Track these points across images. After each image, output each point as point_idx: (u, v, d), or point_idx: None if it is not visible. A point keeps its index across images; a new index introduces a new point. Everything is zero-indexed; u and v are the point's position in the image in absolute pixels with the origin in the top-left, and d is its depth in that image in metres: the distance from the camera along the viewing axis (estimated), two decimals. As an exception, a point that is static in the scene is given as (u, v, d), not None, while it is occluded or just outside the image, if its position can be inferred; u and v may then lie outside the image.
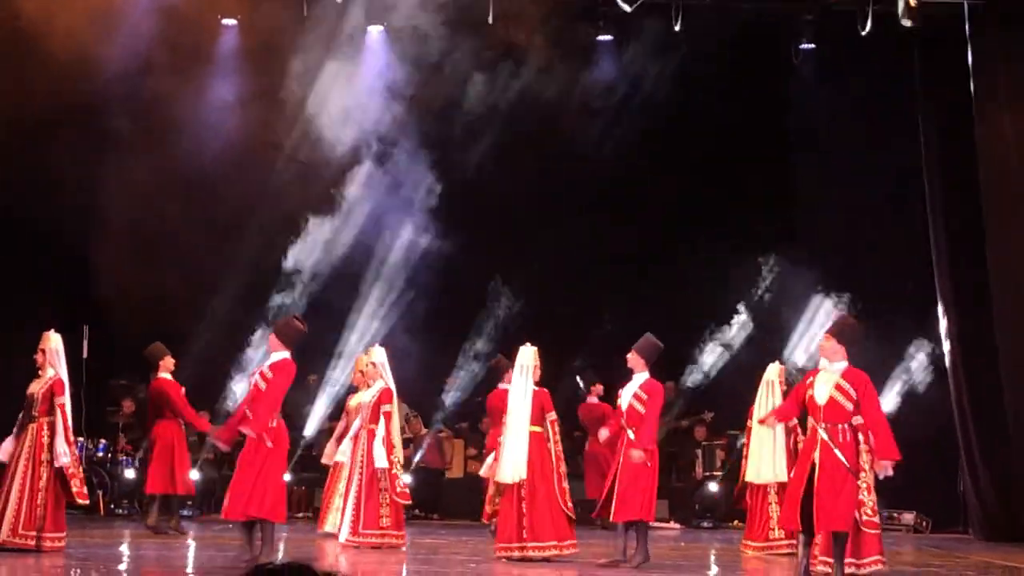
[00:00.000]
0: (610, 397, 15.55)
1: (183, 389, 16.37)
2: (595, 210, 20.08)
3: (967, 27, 17.74)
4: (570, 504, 13.78)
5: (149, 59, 17.86)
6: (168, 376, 16.36)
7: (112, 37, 17.16)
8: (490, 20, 18.13)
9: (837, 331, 12.21)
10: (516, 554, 13.59)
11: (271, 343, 13.16)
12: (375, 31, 19.14)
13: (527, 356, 13.91)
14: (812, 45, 19.07)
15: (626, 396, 13.70)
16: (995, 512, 17.73)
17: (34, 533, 13.29)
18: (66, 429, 13.51)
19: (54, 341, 13.70)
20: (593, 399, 18.18)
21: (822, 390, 12.02)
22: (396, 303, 19.63)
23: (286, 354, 13.03)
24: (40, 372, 13.74)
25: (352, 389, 16.76)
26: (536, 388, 13.92)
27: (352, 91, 19.18)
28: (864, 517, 12.01)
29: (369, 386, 15.03)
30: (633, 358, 13.71)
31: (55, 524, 13.44)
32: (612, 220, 20.07)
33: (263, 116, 18.88)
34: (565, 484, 13.81)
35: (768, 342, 18.57)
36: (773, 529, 15.03)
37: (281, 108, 18.75)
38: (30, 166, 17.67)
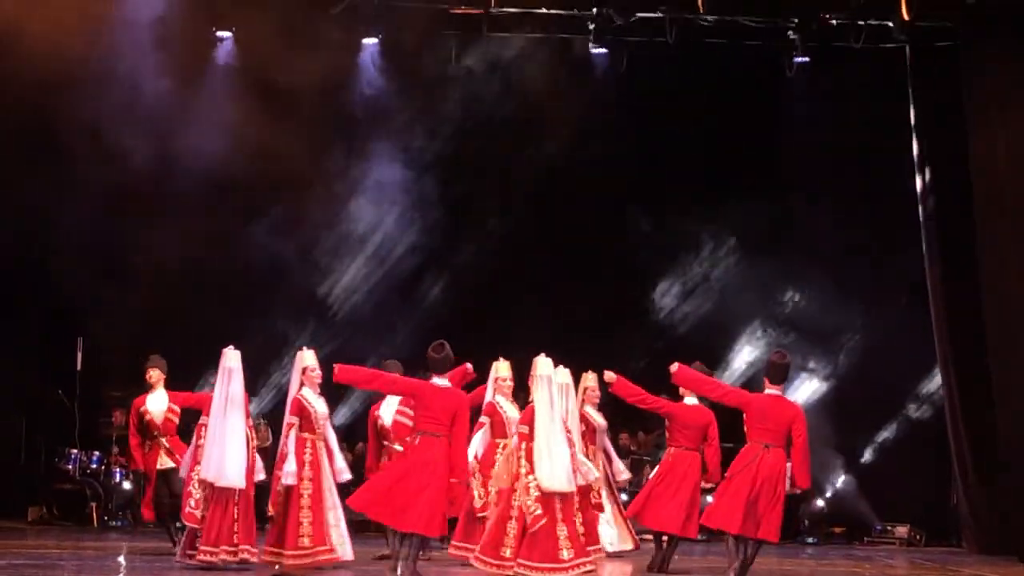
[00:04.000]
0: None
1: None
2: (587, 222, 20.12)
3: (960, 41, 17.79)
4: None
5: (141, 70, 17.90)
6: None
7: (103, 47, 17.19)
8: (484, 32, 18.15)
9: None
10: None
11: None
12: (369, 43, 19.17)
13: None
14: (806, 58, 19.07)
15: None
16: (988, 525, 17.73)
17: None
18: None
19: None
20: None
21: None
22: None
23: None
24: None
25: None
26: None
27: (344, 102, 19.29)
28: None
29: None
30: None
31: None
32: (602, 232, 20.10)
33: (256, 126, 18.90)
34: None
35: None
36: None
37: (274, 118, 18.79)
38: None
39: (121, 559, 14.63)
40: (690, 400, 14.48)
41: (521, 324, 18.41)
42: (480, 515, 13.94)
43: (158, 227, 18.26)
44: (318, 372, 13.44)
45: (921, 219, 18.63)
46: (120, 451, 19.30)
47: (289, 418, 13.21)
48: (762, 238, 19.61)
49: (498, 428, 13.96)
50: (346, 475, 13.42)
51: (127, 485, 18.97)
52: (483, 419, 14.17)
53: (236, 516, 13.49)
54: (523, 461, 13.00)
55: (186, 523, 13.67)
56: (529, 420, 12.92)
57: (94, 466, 18.90)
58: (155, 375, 14.82)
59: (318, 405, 13.37)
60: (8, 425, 19.04)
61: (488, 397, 14.34)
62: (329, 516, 13.21)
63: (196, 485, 13.65)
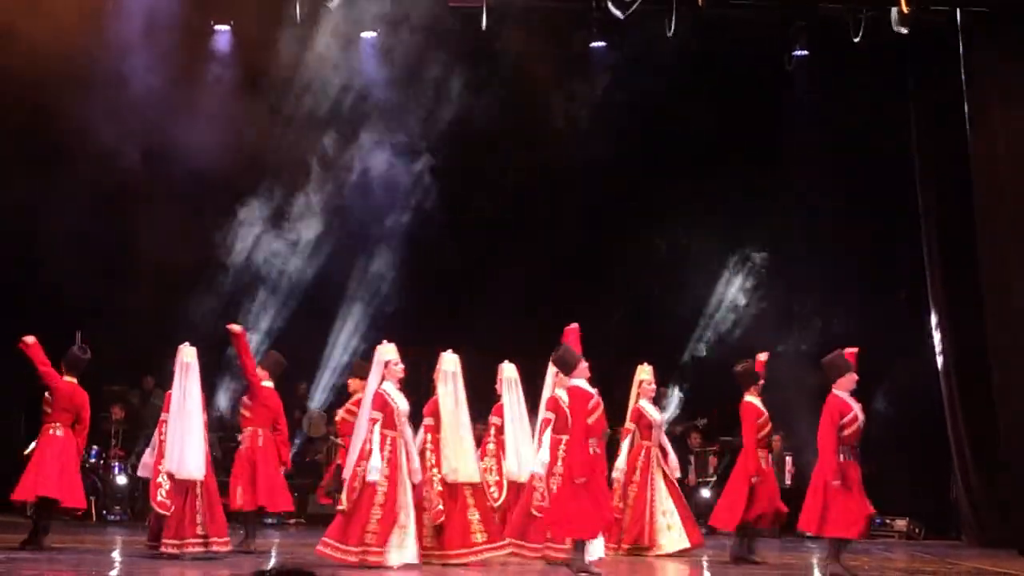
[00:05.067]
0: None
1: None
2: (585, 216, 20.12)
3: (960, 36, 17.77)
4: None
5: (138, 66, 17.86)
6: None
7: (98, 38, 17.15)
8: (483, 26, 18.11)
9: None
10: None
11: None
12: (368, 36, 19.11)
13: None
14: (805, 52, 19.05)
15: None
16: (987, 519, 17.80)
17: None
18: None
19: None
20: None
21: None
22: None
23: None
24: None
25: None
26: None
27: (343, 97, 19.26)
28: None
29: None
30: None
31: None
32: (604, 225, 20.11)
33: (255, 120, 18.87)
34: None
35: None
36: None
37: (270, 112, 18.78)
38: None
39: (115, 554, 14.70)
40: (749, 398, 14.78)
41: (521, 322, 18.45)
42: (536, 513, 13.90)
43: (157, 225, 18.25)
44: (400, 366, 13.32)
45: (921, 219, 18.63)
46: (118, 445, 19.38)
47: (372, 413, 13.10)
48: (761, 236, 19.62)
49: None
50: (419, 476, 13.25)
51: (125, 480, 19.06)
52: (548, 415, 13.89)
53: (199, 508, 13.65)
54: (428, 454, 13.38)
55: (159, 511, 13.78)
56: (433, 412, 13.43)
57: (92, 461, 18.93)
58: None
59: (400, 401, 13.21)
60: (9, 424, 19.08)
61: (547, 392, 14.18)
62: (400, 516, 13.06)
63: (164, 477, 13.79)
